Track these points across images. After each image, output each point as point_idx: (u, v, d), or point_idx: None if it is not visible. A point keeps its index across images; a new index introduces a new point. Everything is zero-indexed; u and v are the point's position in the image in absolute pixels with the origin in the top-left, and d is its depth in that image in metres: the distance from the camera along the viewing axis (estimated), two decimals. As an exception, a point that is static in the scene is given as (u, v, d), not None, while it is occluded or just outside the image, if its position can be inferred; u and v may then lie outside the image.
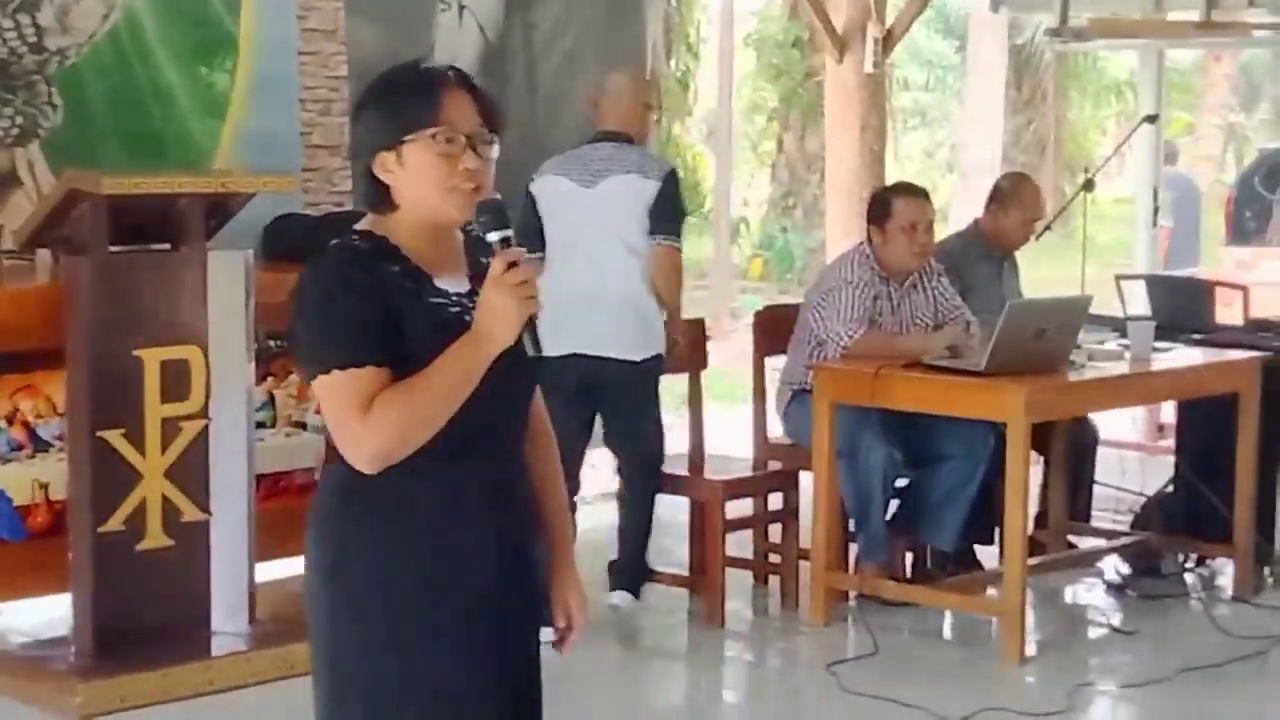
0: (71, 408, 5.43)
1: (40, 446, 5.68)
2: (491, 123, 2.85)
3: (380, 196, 2.85)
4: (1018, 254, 7.26)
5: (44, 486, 5.67)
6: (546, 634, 3.02)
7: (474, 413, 2.77)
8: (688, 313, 6.58)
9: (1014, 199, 7.02)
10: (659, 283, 6.16)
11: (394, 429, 2.73)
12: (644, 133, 6.57)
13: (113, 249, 5.39)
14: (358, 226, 2.87)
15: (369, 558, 2.84)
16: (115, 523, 5.36)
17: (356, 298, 2.75)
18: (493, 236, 2.76)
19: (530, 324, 2.74)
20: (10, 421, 5.61)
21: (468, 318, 2.79)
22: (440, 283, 2.83)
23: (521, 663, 2.96)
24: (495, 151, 2.85)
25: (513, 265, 2.72)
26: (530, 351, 2.76)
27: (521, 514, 2.95)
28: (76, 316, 5.36)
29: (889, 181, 10.72)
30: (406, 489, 2.81)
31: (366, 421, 2.72)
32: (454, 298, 2.83)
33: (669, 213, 6.15)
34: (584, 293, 6.02)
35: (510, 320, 2.72)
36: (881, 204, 6.49)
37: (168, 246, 5.58)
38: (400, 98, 2.83)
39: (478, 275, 2.82)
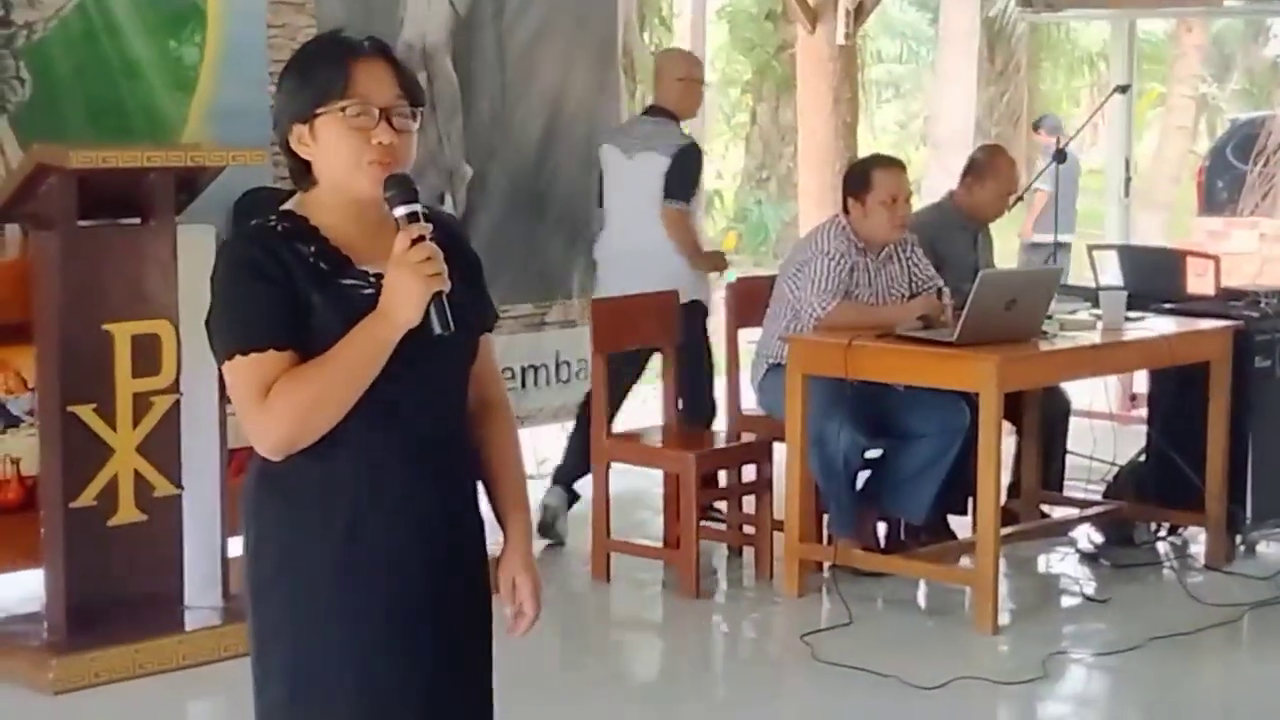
0: (42, 383, 5.42)
1: (10, 422, 5.67)
2: (412, 95, 2.75)
3: (301, 172, 2.78)
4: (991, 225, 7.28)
5: (15, 462, 5.67)
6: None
7: (388, 394, 2.69)
8: (667, 285, 6.73)
9: (990, 171, 7.04)
10: (671, 237, 6.98)
11: (293, 414, 2.65)
12: (687, 106, 7.33)
13: (81, 223, 5.37)
14: (284, 206, 2.78)
15: (282, 541, 2.77)
16: (87, 498, 5.34)
17: (261, 281, 2.67)
18: (399, 211, 2.67)
19: (438, 301, 2.64)
20: (-20, 397, 5.60)
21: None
22: (362, 264, 2.73)
23: (451, 649, 2.84)
24: (414, 125, 2.75)
25: (418, 241, 2.63)
26: (437, 330, 2.65)
27: (449, 497, 2.83)
28: (46, 291, 5.34)
29: (861, 153, 10.77)
30: (319, 472, 2.72)
31: (266, 407, 2.65)
32: (373, 279, 2.71)
33: (674, 181, 7.03)
34: (620, 252, 7.06)
35: (412, 298, 2.63)
36: (860, 177, 6.48)
37: (137, 221, 5.56)
38: (311, 69, 2.74)
39: None
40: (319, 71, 2.72)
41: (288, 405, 2.64)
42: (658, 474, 6.77)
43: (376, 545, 2.74)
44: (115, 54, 6.36)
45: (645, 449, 6.50)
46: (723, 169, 21.81)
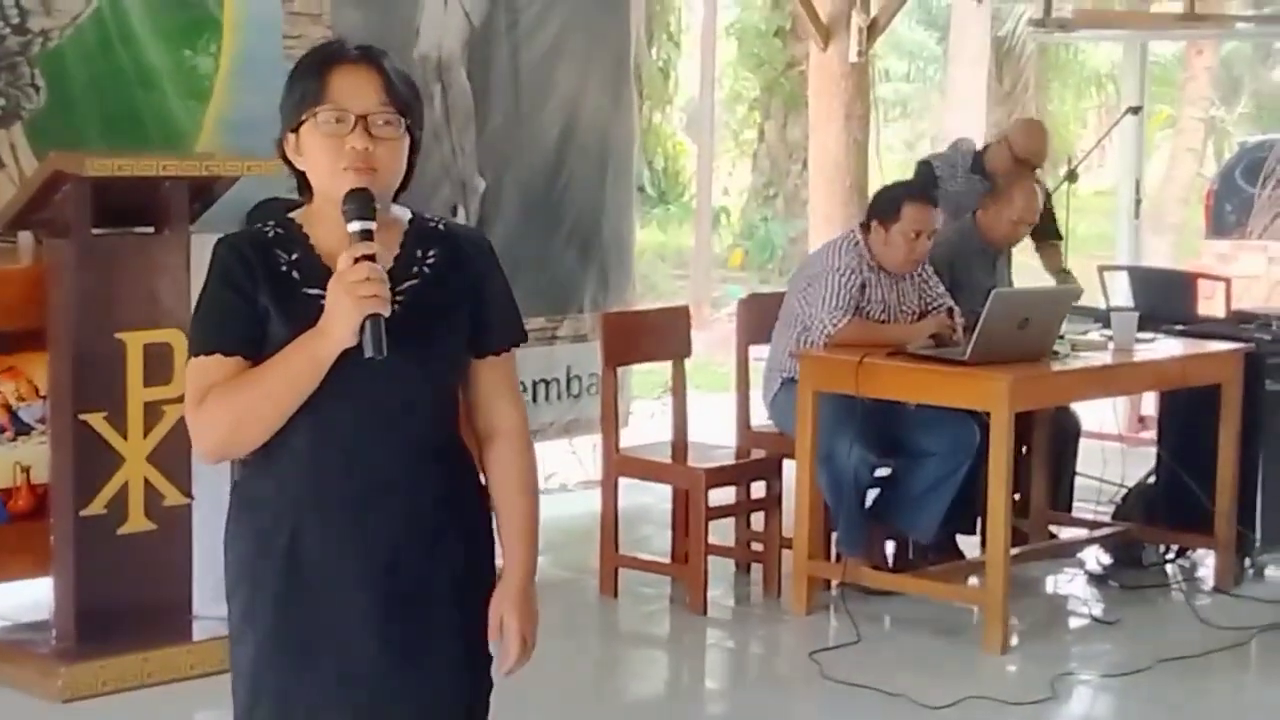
0: (54, 390, 5.41)
1: (22, 429, 5.66)
2: (399, 103, 2.69)
3: (300, 182, 2.76)
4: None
5: (25, 469, 5.65)
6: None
7: (332, 413, 2.65)
8: (673, 300, 6.65)
9: (1005, 198, 6.99)
10: None
11: (223, 421, 2.64)
12: None
13: (95, 231, 5.37)
14: (290, 214, 2.77)
15: (237, 551, 2.77)
16: (97, 506, 5.34)
17: (224, 287, 2.66)
18: (351, 227, 2.61)
19: (374, 323, 2.57)
20: (-9, 404, 5.60)
21: None
22: None
23: (388, 695, 2.74)
24: (396, 131, 2.69)
25: (362, 260, 2.58)
26: (368, 352, 2.58)
27: (404, 524, 2.73)
28: (59, 299, 5.34)
29: (872, 172, 10.77)
30: (271, 485, 2.71)
31: (199, 413, 2.66)
32: None
33: None
34: None
35: (343, 319, 2.57)
36: (891, 204, 6.43)
37: (151, 229, 5.56)
38: (296, 78, 2.72)
39: (397, 270, 2.69)
40: (300, 80, 2.71)
41: (218, 411, 2.63)
42: (662, 489, 6.77)
43: (314, 570, 2.71)
44: (131, 63, 6.37)
45: (654, 464, 6.49)
46: (729, 185, 21.81)
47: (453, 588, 2.78)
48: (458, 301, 2.74)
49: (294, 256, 2.69)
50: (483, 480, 2.87)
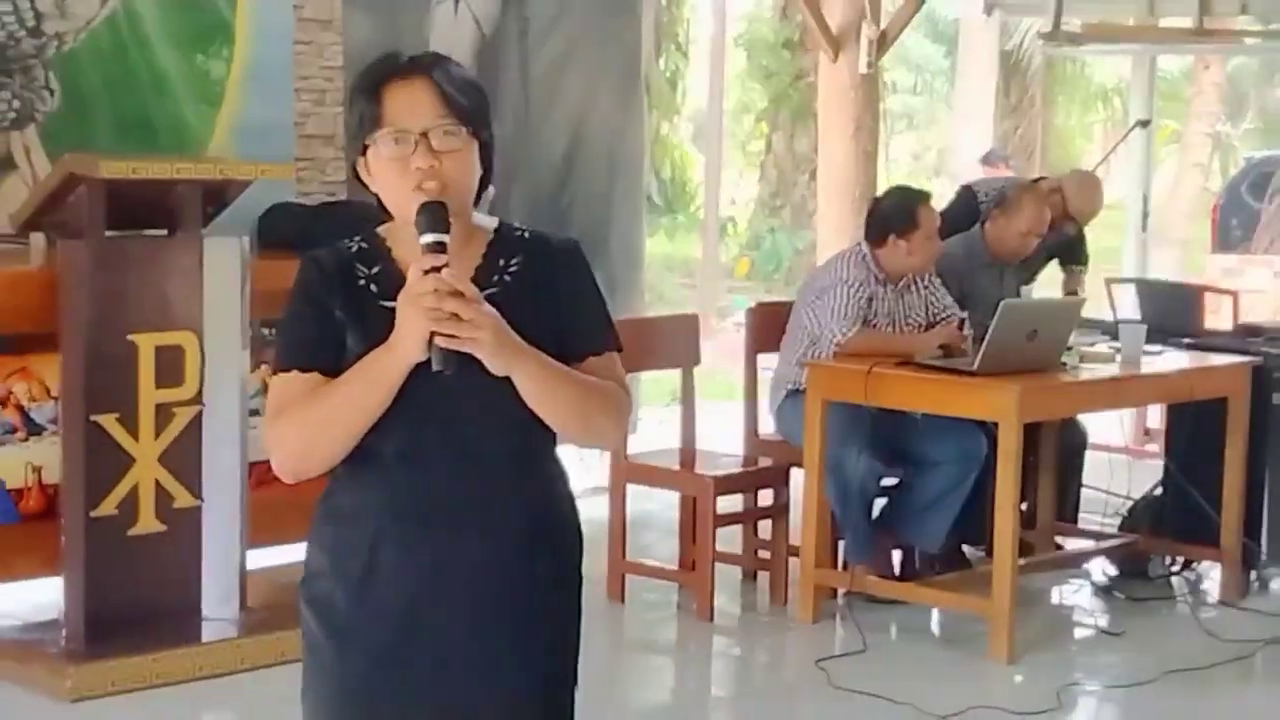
0: (66, 392, 5.43)
1: (34, 430, 5.68)
2: (459, 112, 2.62)
3: (380, 200, 2.70)
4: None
5: (37, 470, 5.68)
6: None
7: (411, 431, 2.61)
8: (680, 309, 6.66)
9: (1014, 210, 6.95)
10: None
11: (296, 437, 2.61)
12: None
13: (109, 234, 5.39)
14: (379, 229, 2.73)
15: (316, 563, 2.72)
16: (108, 507, 5.35)
17: (305, 303, 2.65)
18: (424, 239, 2.54)
19: (433, 339, 2.51)
20: (4, 404, 5.62)
21: None
22: None
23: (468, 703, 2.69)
24: (460, 141, 2.61)
25: (430, 273, 2.50)
26: (435, 367, 2.52)
27: (479, 545, 2.67)
28: (72, 300, 5.36)
29: (880, 182, 10.78)
30: (353, 499, 2.68)
31: (274, 428, 2.63)
32: None
33: None
34: None
35: (411, 334, 2.51)
36: (905, 214, 6.42)
37: (164, 232, 5.58)
38: (353, 101, 2.68)
39: (479, 280, 2.62)
40: (356, 103, 2.66)
41: (291, 427, 2.61)
42: (665, 496, 6.78)
43: (387, 586, 2.66)
44: (144, 66, 6.41)
45: (663, 471, 6.50)
46: (736, 196, 21.84)
47: (537, 605, 2.74)
48: (543, 308, 2.66)
49: (374, 271, 2.66)
50: (574, 498, 2.82)
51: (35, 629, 5.61)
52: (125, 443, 5.38)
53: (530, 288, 2.67)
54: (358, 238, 2.71)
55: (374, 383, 2.57)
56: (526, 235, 2.73)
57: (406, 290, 2.52)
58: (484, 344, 2.53)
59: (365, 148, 2.64)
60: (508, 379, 2.58)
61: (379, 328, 2.58)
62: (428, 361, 2.53)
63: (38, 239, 5.84)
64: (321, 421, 2.60)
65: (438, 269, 2.51)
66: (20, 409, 5.66)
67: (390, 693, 2.68)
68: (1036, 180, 7.94)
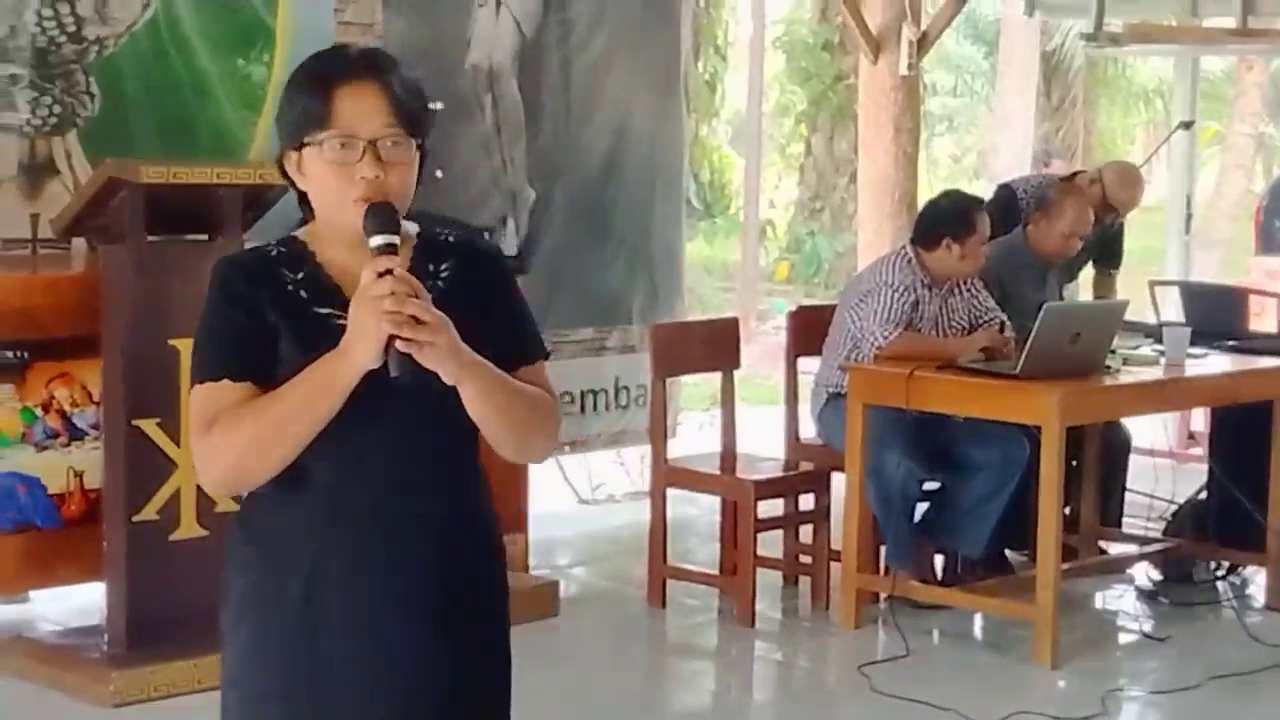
0: (107, 396, 5.44)
1: (76, 435, 5.69)
2: (407, 122, 2.51)
3: (301, 198, 2.57)
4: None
5: (79, 475, 5.68)
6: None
7: (356, 440, 2.49)
8: (719, 313, 6.66)
9: (1057, 211, 6.91)
10: None
11: (232, 451, 2.45)
12: None
13: (150, 239, 5.39)
14: (294, 232, 2.60)
15: (241, 589, 2.59)
16: (149, 512, 5.36)
17: (229, 308, 2.50)
18: (373, 242, 2.42)
19: (391, 344, 2.39)
20: (46, 410, 5.62)
21: None
22: (352, 295, 2.48)
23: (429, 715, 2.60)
24: (407, 153, 2.51)
25: (384, 275, 2.39)
26: (393, 373, 2.39)
27: (426, 558, 2.58)
28: (113, 305, 5.36)
29: (921, 185, 10.75)
30: (284, 518, 2.54)
31: (207, 442, 2.46)
32: None
33: None
34: None
35: (367, 337, 2.38)
36: (963, 218, 6.38)
37: (204, 237, 5.58)
38: (296, 95, 2.52)
39: (423, 285, 2.46)
40: (302, 98, 2.51)
41: (226, 441, 2.45)
42: (704, 501, 6.76)
43: (332, 605, 2.54)
44: (184, 71, 6.42)
45: (704, 475, 6.48)
46: (775, 199, 21.82)
47: (482, 606, 2.68)
48: (477, 315, 2.53)
49: (300, 275, 2.53)
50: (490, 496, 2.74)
51: (77, 634, 5.63)
52: (167, 447, 5.38)
53: (463, 294, 2.54)
54: (274, 241, 2.59)
55: (324, 391, 2.43)
56: (452, 240, 2.62)
57: (361, 292, 2.40)
58: (441, 348, 2.42)
59: (303, 144, 2.50)
60: (447, 387, 2.47)
61: (316, 334, 2.48)
62: (378, 369, 2.42)
63: (79, 244, 5.87)
64: (266, 434, 2.45)
65: (390, 271, 2.40)
66: (62, 414, 5.66)
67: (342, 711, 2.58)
68: (1075, 174, 7.90)
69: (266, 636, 2.57)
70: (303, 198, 2.57)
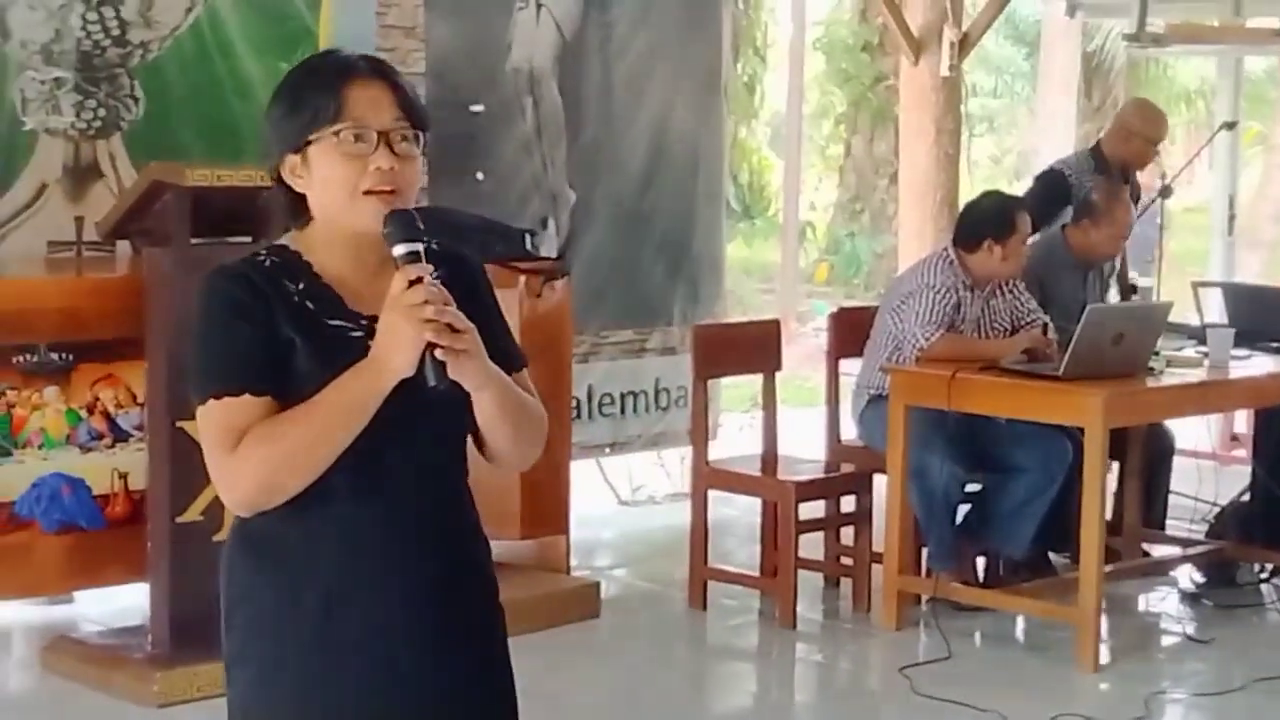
0: (151, 398, 5.47)
1: (120, 436, 5.72)
2: (413, 118, 2.51)
3: (294, 207, 2.52)
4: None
5: (123, 476, 5.72)
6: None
7: (374, 452, 2.44)
8: (758, 314, 6.66)
9: (1106, 216, 6.89)
10: None
11: (265, 468, 2.40)
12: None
13: (194, 241, 5.42)
14: (278, 240, 2.55)
15: (253, 610, 2.53)
16: (193, 513, 5.38)
17: (238, 320, 2.43)
18: (398, 250, 2.40)
19: (430, 352, 2.37)
20: (91, 411, 5.66)
21: (370, 345, 2.43)
22: (354, 305, 2.49)
23: None
24: (415, 148, 2.50)
25: (415, 283, 2.37)
26: (431, 382, 2.37)
27: (441, 565, 2.56)
28: (158, 307, 5.39)
29: (962, 186, 10.73)
30: (298, 534, 2.49)
31: (235, 458, 2.40)
32: (364, 322, 2.47)
33: None
34: None
35: (404, 346, 2.36)
36: (1004, 219, 6.38)
37: (248, 239, 5.60)
38: (302, 94, 2.49)
39: None
40: (310, 96, 2.48)
41: (259, 457, 2.39)
42: (743, 502, 6.76)
43: (354, 621, 2.50)
44: (228, 74, 6.44)
45: (744, 477, 6.48)
46: (815, 200, 21.77)
47: (487, 624, 2.66)
48: (473, 322, 2.47)
49: (300, 286, 2.49)
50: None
51: (121, 634, 5.66)
52: (209, 447, 5.40)
53: (458, 301, 2.46)
54: (263, 252, 2.54)
55: (359, 403, 2.40)
56: (435, 247, 2.53)
57: (395, 301, 2.37)
58: (474, 356, 2.42)
59: (306, 144, 2.47)
60: (457, 397, 2.45)
61: (332, 347, 2.45)
62: (409, 379, 2.40)
63: (123, 246, 5.90)
64: (301, 449, 2.40)
65: (422, 279, 2.38)
66: (106, 415, 5.70)
67: None
68: (1098, 143, 7.90)
69: (284, 657, 2.52)
70: (293, 205, 2.53)
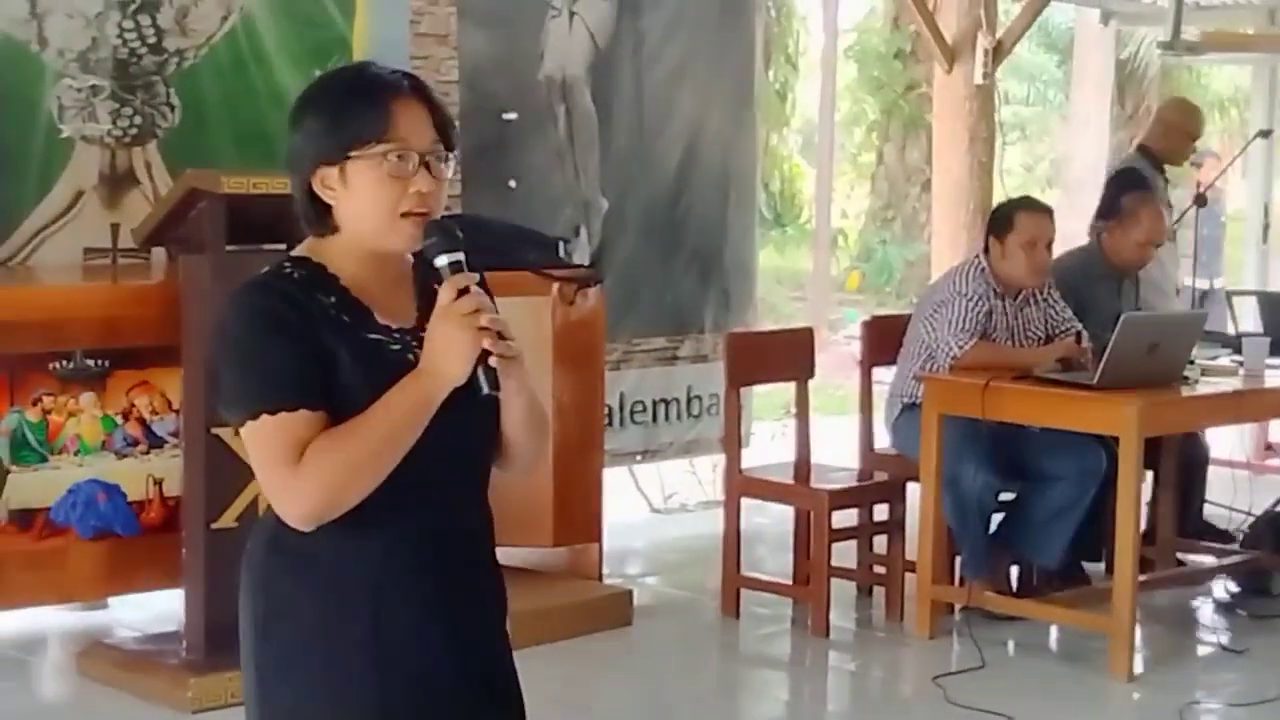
0: (187, 405, 5.49)
1: (155, 443, 5.75)
2: (447, 139, 2.51)
3: (319, 216, 2.52)
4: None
5: (158, 482, 5.75)
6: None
7: (418, 462, 2.43)
8: (789, 322, 6.65)
9: (1132, 220, 6.89)
10: None
11: (329, 481, 2.39)
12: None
13: (229, 248, 5.43)
14: (295, 252, 2.55)
15: (303, 620, 2.51)
16: (228, 519, 5.39)
17: (284, 334, 2.42)
18: (441, 261, 2.43)
19: (484, 359, 2.40)
20: (126, 418, 5.69)
21: (411, 356, 2.46)
22: (381, 317, 2.50)
23: None
24: (449, 171, 2.51)
25: (463, 292, 2.39)
26: (485, 390, 2.41)
27: (471, 569, 2.60)
28: (193, 314, 5.41)
29: (996, 193, 10.71)
30: (346, 546, 2.47)
31: (298, 474, 2.39)
32: (396, 334, 2.50)
33: None
34: None
35: (461, 355, 2.38)
36: (1003, 217, 6.44)
37: (284, 247, 5.60)
38: (347, 106, 2.47)
39: (427, 308, 2.48)
40: (355, 109, 2.47)
41: (325, 470, 2.39)
42: (775, 511, 6.75)
43: (400, 624, 2.51)
44: (263, 82, 6.47)
45: (778, 485, 6.48)
46: (847, 208, 21.76)
47: (501, 622, 2.69)
48: None
49: (332, 298, 2.48)
50: None
51: (156, 640, 5.67)
52: (245, 456, 5.40)
53: None
54: (287, 264, 2.53)
55: (416, 414, 2.41)
56: (427, 259, 2.54)
57: (449, 311, 2.39)
58: (521, 363, 2.45)
59: (345, 159, 2.46)
60: (488, 403, 2.47)
61: (375, 360, 2.46)
62: (461, 388, 2.42)
63: (159, 254, 5.93)
64: (364, 461, 2.40)
65: (468, 289, 2.41)
66: (142, 422, 5.73)
67: None
68: (1141, 146, 7.90)
69: (334, 670, 2.51)
70: (316, 215, 2.53)
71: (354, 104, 2.47)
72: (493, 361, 2.40)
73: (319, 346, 2.44)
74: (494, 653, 2.64)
